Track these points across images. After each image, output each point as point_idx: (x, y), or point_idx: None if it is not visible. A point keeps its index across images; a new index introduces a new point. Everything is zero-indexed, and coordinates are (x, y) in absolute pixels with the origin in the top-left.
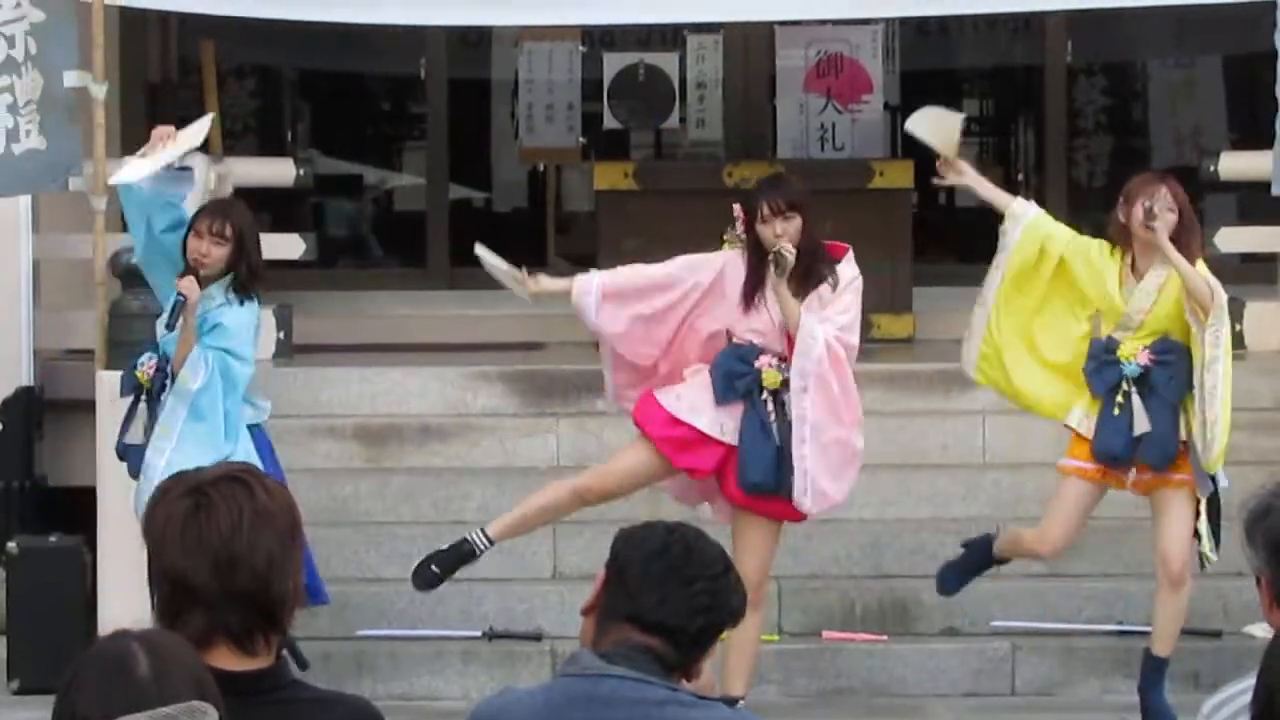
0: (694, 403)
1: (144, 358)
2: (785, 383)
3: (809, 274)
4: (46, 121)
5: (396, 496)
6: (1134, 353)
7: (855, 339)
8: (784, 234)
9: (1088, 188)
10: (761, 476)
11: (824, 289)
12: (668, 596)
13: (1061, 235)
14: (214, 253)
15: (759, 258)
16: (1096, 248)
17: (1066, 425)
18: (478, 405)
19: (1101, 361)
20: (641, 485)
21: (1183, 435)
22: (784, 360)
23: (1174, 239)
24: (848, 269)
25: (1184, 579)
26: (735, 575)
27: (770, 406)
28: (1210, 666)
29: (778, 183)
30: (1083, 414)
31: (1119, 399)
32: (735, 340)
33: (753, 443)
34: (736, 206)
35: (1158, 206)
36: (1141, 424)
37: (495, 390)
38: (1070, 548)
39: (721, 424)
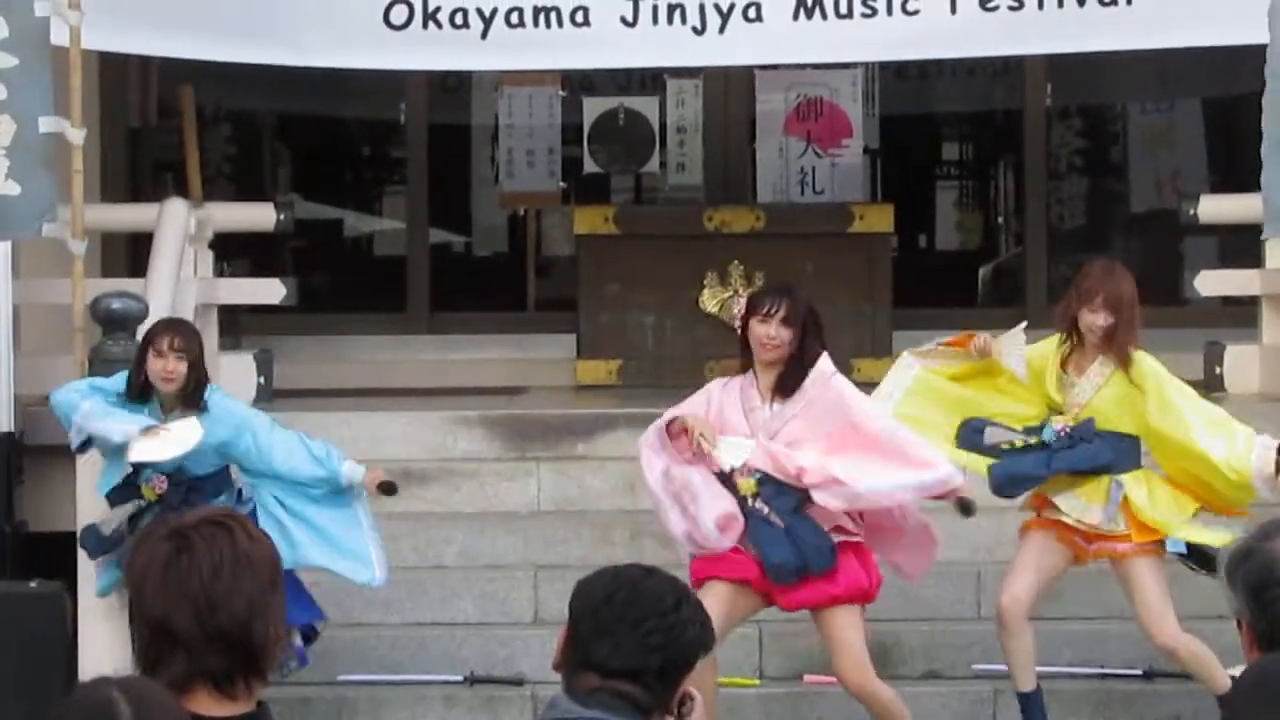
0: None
1: (146, 475)
2: (760, 482)
3: (786, 377)
4: (19, 167)
5: None
6: (1057, 422)
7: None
8: (775, 336)
9: (1068, 231)
10: (781, 557)
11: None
12: (620, 641)
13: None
14: (179, 369)
15: (747, 355)
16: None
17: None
18: (458, 449)
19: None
20: (734, 622)
21: (1096, 520)
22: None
23: (1109, 336)
24: (824, 370)
25: (1174, 646)
26: (691, 608)
27: (762, 505)
28: (1190, 709)
29: (783, 288)
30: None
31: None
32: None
33: (764, 537)
34: (741, 303)
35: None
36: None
37: (476, 434)
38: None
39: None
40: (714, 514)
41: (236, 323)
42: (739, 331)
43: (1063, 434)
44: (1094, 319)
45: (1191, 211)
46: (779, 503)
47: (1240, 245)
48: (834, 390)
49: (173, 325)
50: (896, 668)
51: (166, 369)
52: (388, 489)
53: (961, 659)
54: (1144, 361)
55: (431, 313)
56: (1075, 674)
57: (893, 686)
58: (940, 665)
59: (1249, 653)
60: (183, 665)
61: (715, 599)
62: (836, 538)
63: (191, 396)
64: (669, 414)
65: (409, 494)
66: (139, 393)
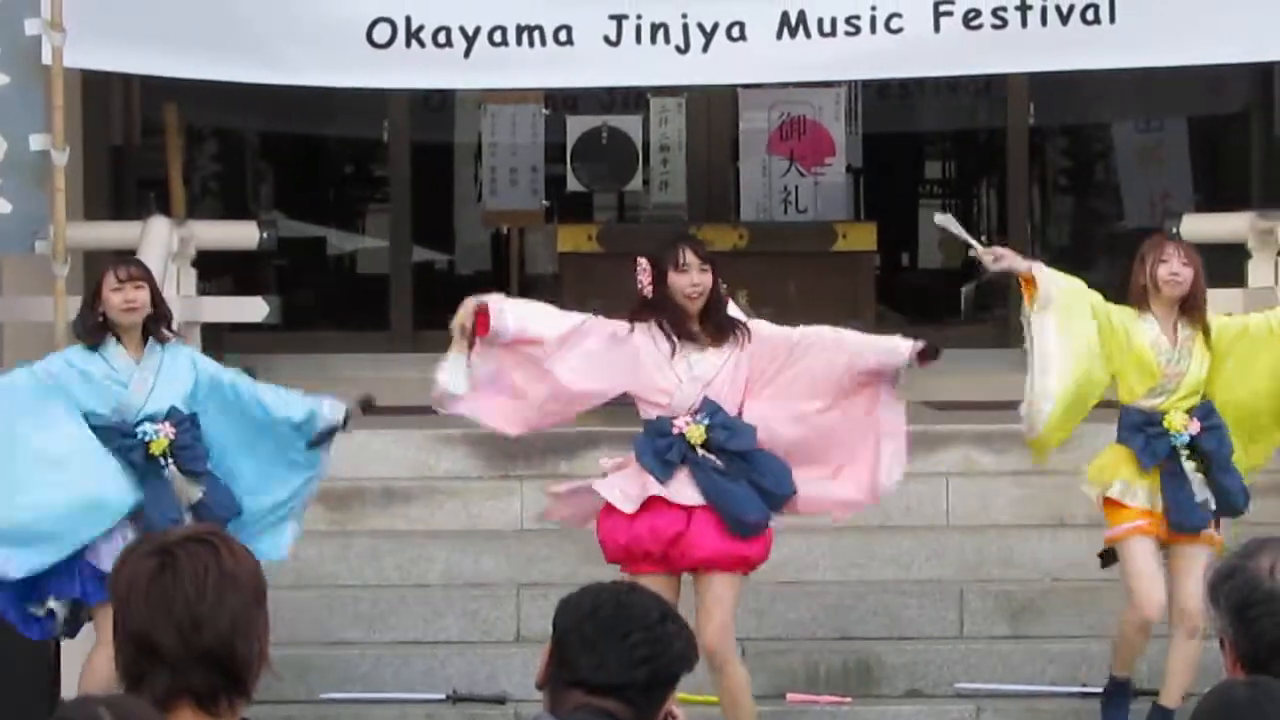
0: (641, 486)
1: (145, 432)
2: (709, 429)
3: (723, 326)
4: (11, 185)
5: (360, 559)
6: (1183, 424)
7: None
8: (700, 283)
9: (1052, 249)
10: (756, 513)
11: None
12: (606, 656)
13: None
14: (140, 295)
15: (669, 313)
16: (1126, 311)
17: (1107, 497)
18: (441, 468)
19: (1148, 435)
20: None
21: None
22: (697, 413)
23: (1193, 291)
24: (738, 312)
25: (1199, 629)
26: (677, 623)
27: (713, 458)
28: None
29: (692, 238)
30: (1125, 486)
31: (1175, 470)
32: (643, 416)
33: (724, 493)
34: (643, 261)
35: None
36: (1202, 493)
37: (459, 453)
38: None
39: (678, 492)
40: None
41: (220, 341)
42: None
43: (1199, 431)
44: (1174, 271)
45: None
46: (735, 443)
47: (1223, 265)
48: (760, 332)
49: (121, 258)
50: (879, 686)
51: (127, 299)
52: (368, 404)
53: (944, 678)
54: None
55: (414, 330)
56: (1057, 692)
57: (874, 706)
58: (923, 684)
59: (1231, 672)
60: (166, 682)
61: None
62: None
63: (156, 328)
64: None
65: (392, 512)
66: (96, 332)
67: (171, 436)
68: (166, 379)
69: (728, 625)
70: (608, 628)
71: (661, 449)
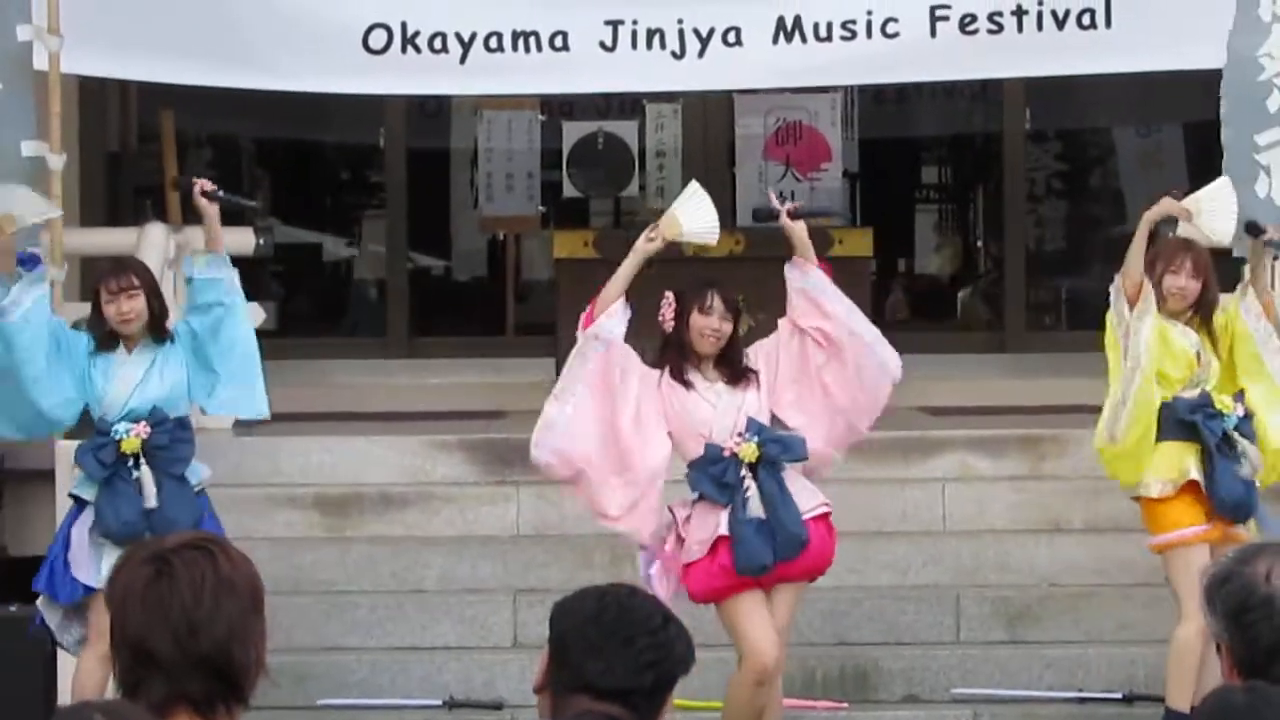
0: (712, 527)
1: (118, 430)
2: (762, 445)
3: (736, 371)
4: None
5: (356, 565)
6: (1230, 405)
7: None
8: (720, 328)
9: (1046, 253)
10: (750, 557)
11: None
12: (613, 660)
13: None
14: (134, 306)
15: (682, 349)
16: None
17: (1141, 497)
18: (438, 474)
19: (1207, 414)
20: (769, 625)
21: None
22: (744, 433)
23: (1196, 306)
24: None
25: None
26: (676, 626)
27: (749, 482)
28: None
29: (717, 283)
30: (1159, 481)
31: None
32: (689, 458)
33: (737, 528)
34: (669, 295)
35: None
36: (1249, 468)
37: (455, 459)
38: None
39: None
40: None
41: None
42: (666, 331)
43: (1244, 414)
44: (1181, 286)
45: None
46: (789, 454)
47: (1219, 267)
48: (764, 348)
49: (115, 265)
50: (876, 692)
51: (120, 311)
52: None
53: (941, 683)
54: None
55: (410, 337)
56: (1054, 698)
57: (871, 711)
58: (920, 689)
59: (1228, 676)
60: (163, 689)
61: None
62: (816, 511)
63: (157, 329)
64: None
65: (388, 518)
66: (107, 341)
67: (144, 436)
68: (155, 377)
69: (784, 643)
70: (612, 632)
71: (717, 474)
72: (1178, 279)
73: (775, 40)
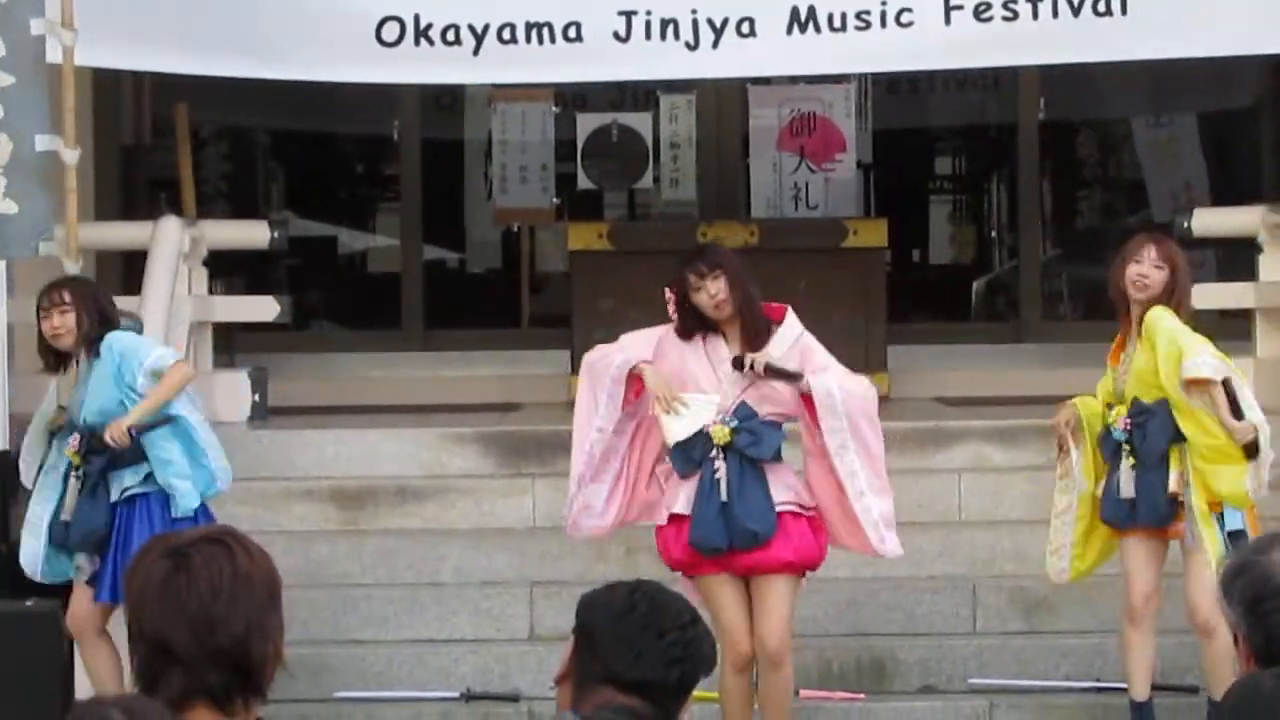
0: (674, 495)
1: (61, 436)
2: (735, 431)
3: (750, 327)
4: (16, 186)
5: (373, 558)
6: (1117, 418)
7: (861, 381)
8: (716, 293)
9: (1063, 244)
10: (704, 537)
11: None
12: (642, 652)
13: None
14: (64, 321)
15: (698, 331)
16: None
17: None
18: (453, 466)
19: (1104, 433)
20: (746, 610)
21: (1174, 488)
22: (729, 415)
23: (1164, 294)
24: (790, 329)
25: (1210, 628)
26: (703, 626)
27: (719, 464)
28: None
29: (699, 251)
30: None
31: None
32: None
33: (701, 504)
34: (667, 290)
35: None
36: (1127, 490)
37: (471, 451)
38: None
39: (687, 497)
40: (601, 501)
41: (231, 340)
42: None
43: (1126, 428)
44: (1142, 274)
45: (1186, 225)
46: (756, 450)
47: (1235, 258)
48: (802, 347)
49: (50, 285)
50: (892, 683)
51: (52, 326)
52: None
53: (958, 673)
54: (1159, 319)
55: (425, 329)
56: (1071, 688)
57: (888, 702)
58: (936, 680)
59: (1245, 666)
60: (181, 683)
61: (721, 593)
62: (788, 507)
63: (92, 341)
64: (624, 356)
65: (404, 511)
66: (54, 362)
67: (74, 448)
68: (91, 393)
69: (789, 622)
70: (645, 625)
71: (686, 447)
72: (1141, 267)
73: (789, 30)
